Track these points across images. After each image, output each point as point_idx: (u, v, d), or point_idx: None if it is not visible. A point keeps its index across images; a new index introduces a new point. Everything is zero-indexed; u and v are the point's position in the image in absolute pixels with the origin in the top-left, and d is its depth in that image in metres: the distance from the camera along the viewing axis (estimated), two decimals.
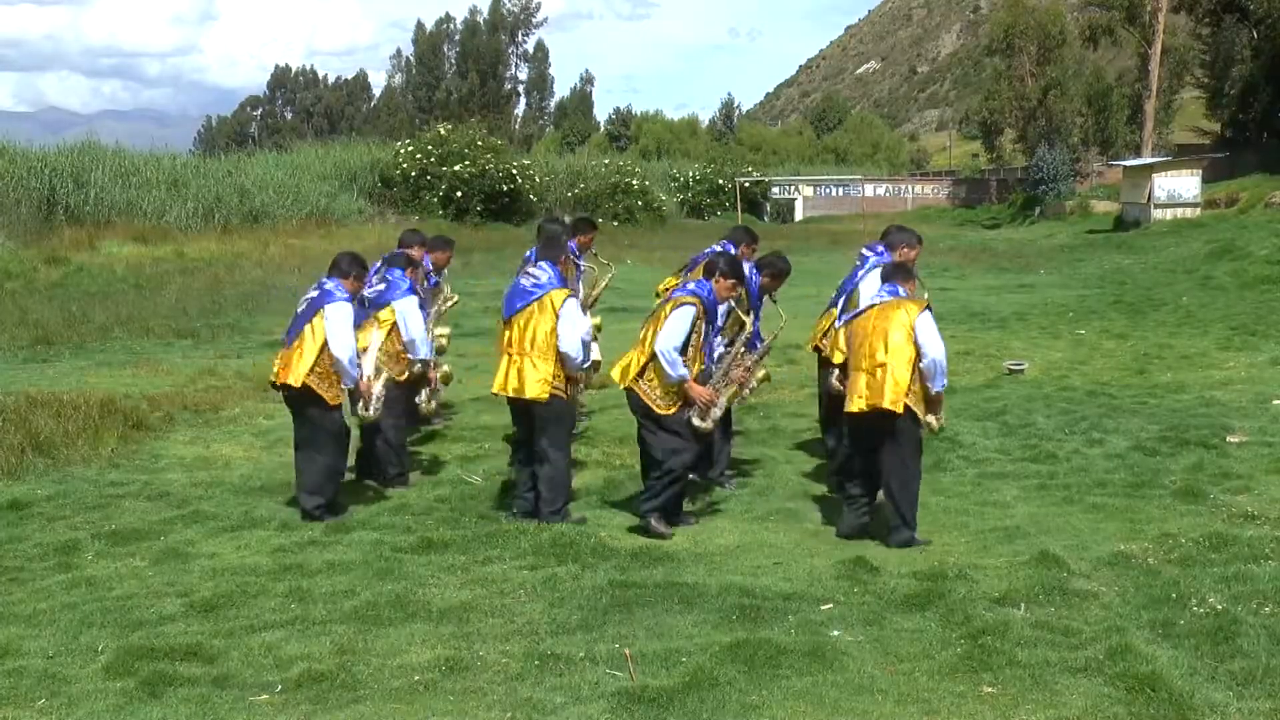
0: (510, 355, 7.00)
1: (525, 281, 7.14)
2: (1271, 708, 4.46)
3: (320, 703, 4.72)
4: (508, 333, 7.06)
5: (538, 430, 6.99)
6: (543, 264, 7.22)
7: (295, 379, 7.20)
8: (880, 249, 7.91)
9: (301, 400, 7.31)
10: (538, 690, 4.78)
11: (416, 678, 4.92)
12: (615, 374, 7.00)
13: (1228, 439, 8.73)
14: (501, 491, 7.87)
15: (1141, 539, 6.52)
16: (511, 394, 6.99)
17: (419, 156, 36.17)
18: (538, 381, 6.90)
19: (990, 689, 4.71)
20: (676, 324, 6.72)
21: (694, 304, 6.78)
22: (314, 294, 7.40)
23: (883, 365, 6.57)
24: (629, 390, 6.88)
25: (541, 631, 5.41)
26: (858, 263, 7.94)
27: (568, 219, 9.35)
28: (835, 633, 5.31)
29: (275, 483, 8.17)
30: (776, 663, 4.97)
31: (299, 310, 7.43)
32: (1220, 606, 5.39)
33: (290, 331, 7.42)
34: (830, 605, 5.66)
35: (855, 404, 6.68)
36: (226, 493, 7.98)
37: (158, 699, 4.74)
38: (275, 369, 7.46)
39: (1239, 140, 42.72)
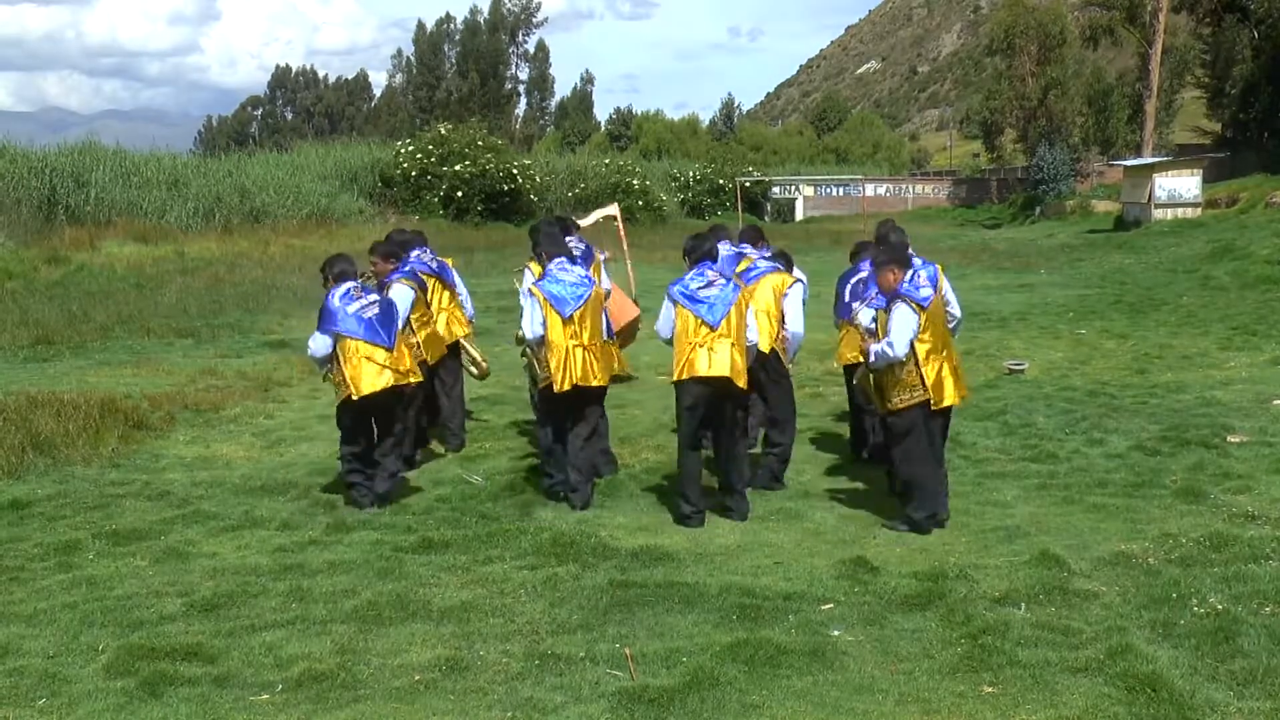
0: (581, 349, 7.45)
1: (569, 278, 7.57)
2: (1272, 708, 4.46)
3: (321, 702, 4.72)
4: (569, 329, 7.43)
5: (592, 411, 7.67)
6: (566, 261, 7.69)
7: (418, 375, 7.85)
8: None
9: (404, 394, 7.71)
10: (538, 690, 4.78)
11: (417, 677, 4.93)
12: (739, 380, 7.07)
13: (1228, 439, 8.73)
14: (505, 490, 7.87)
15: (1142, 539, 6.52)
16: (588, 383, 7.45)
17: (419, 156, 36.18)
18: (604, 369, 7.64)
19: (990, 689, 4.72)
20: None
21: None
22: (374, 298, 7.61)
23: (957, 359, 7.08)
24: (738, 385, 7.07)
25: (542, 631, 5.41)
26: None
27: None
28: (835, 632, 5.31)
29: (276, 482, 8.17)
30: (777, 662, 4.98)
31: (375, 315, 7.45)
32: (1221, 606, 5.39)
33: (383, 336, 7.45)
34: (830, 605, 5.66)
35: (953, 398, 6.99)
36: (227, 492, 7.98)
37: (158, 699, 4.74)
38: (395, 373, 7.44)
39: (1239, 140, 42.72)
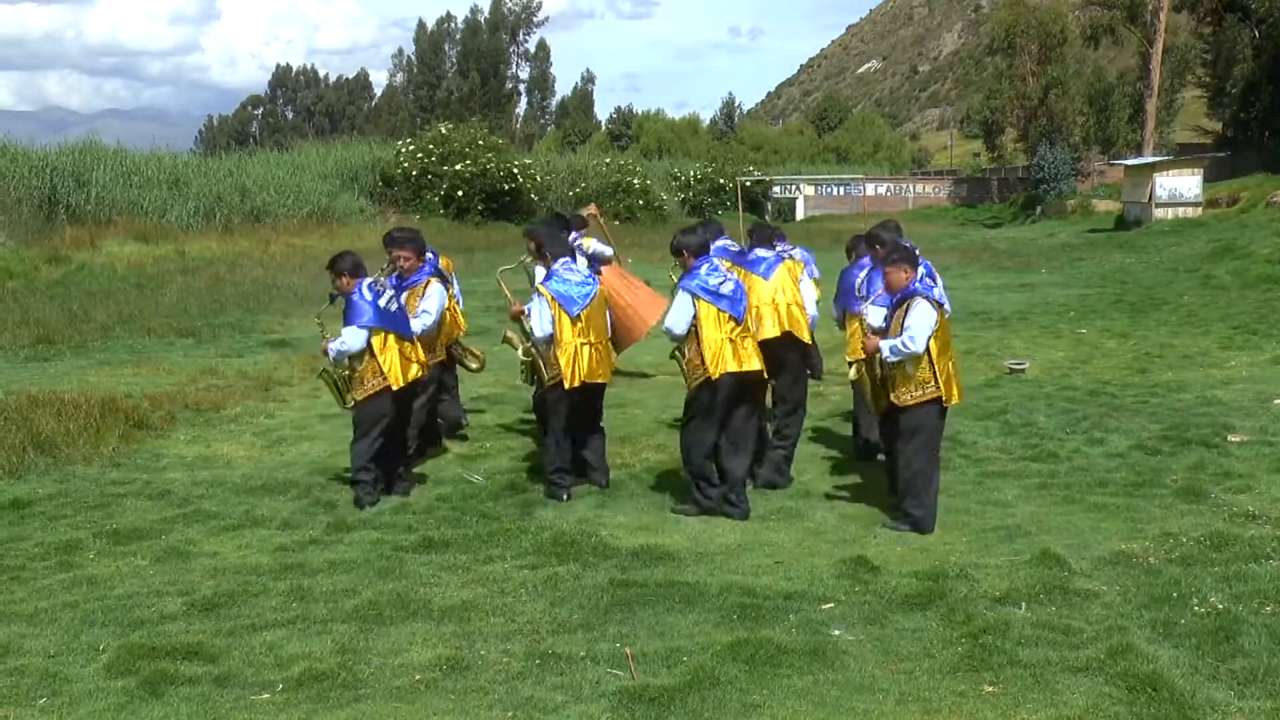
0: (588, 346, 7.62)
1: (575, 277, 7.77)
2: (1273, 707, 4.45)
3: (321, 702, 4.72)
4: (577, 327, 7.59)
5: (597, 406, 8.00)
6: (571, 261, 7.88)
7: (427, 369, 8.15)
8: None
9: (420, 384, 8.02)
10: (539, 689, 4.78)
11: (418, 677, 4.93)
12: (765, 372, 7.39)
13: (1229, 438, 8.73)
14: (505, 490, 7.87)
15: (1142, 538, 6.52)
16: (594, 380, 7.69)
17: (420, 156, 36.18)
18: (608, 366, 7.92)
19: (991, 688, 4.71)
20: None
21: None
22: (392, 291, 7.79)
23: None
24: (760, 375, 7.35)
25: (542, 630, 5.41)
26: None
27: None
28: (836, 632, 5.31)
29: (276, 482, 8.16)
30: (777, 662, 4.98)
31: (395, 309, 7.70)
32: (1221, 606, 5.39)
33: (407, 328, 7.74)
34: (831, 604, 5.66)
35: (960, 396, 7.18)
36: (228, 492, 7.98)
37: (159, 698, 4.74)
38: (418, 364, 7.77)
39: (1240, 139, 42.70)
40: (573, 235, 10.14)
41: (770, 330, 7.76)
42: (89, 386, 10.99)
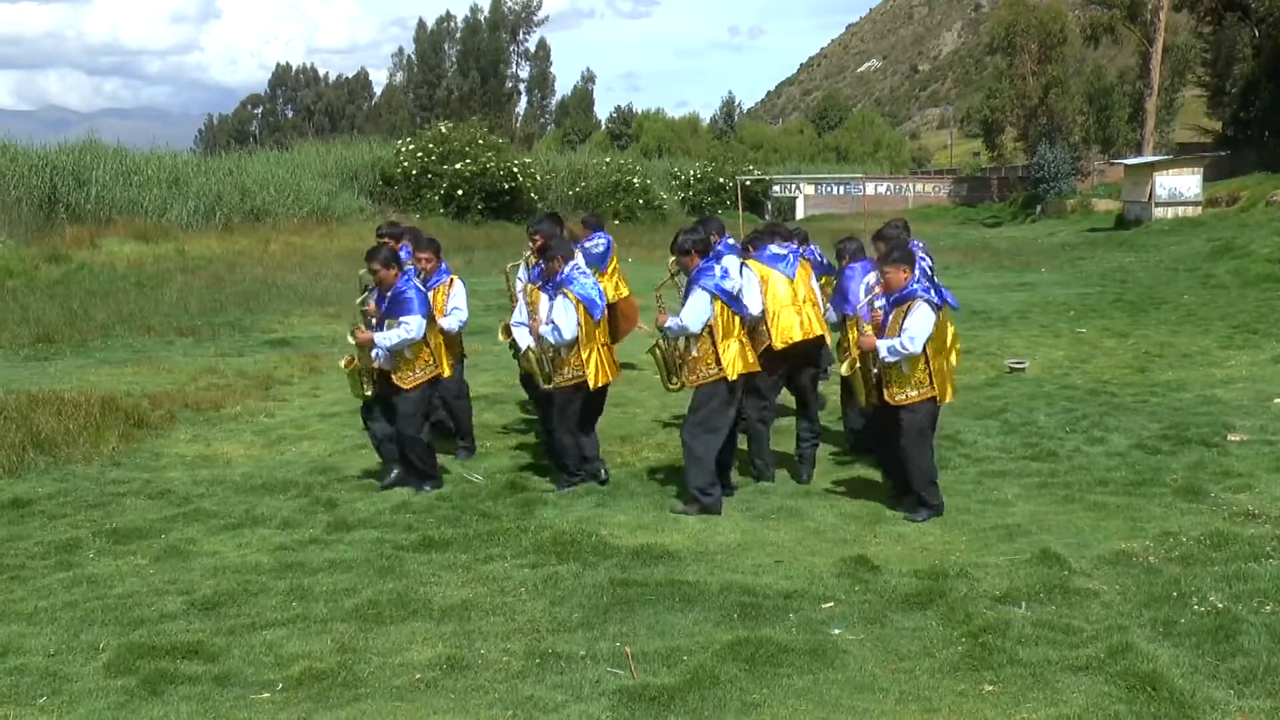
0: (605, 347, 7.84)
1: (589, 281, 7.85)
2: (1272, 706, 4.46)
3: (321, 701, 4.72)
4: (598, 328, 7.74)
5: (603, 405, 8.13)
6: (578, 264, 7.96)
7: None
8: (919, 244, 8.39)
9: None
10: (539, 688, 4.78)
11: (418, 676, 4.93)
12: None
13: (1229, 437, 8.73)
14: (505, 489, 7.87)
15: (1142, 537, 6.53)
16: (610, 379, 7.89)
17: (420, 155, 36.13)
18: (617, 361, 8.16)
19: (991, 687, 4.72)
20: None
21: None
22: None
23: None
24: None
25: (542, 629, 5.41)
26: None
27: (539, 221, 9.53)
28: (836, 631, 5.31)
29: (276, 481, 8.17)
30: (777, 661, 4.98)
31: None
32: (1221, 605, 5.39)
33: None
34: (831, 604, 5.66)
35: (952, 394, 7.30)
36: (227, 491, 7.98)
37: (159, 697, 4.74)
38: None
39: (1240, 139, 42.71)
40: (598, 235, 10.53)
41: (799, 333, 7.96)
42: (89, 386, 10.98)
